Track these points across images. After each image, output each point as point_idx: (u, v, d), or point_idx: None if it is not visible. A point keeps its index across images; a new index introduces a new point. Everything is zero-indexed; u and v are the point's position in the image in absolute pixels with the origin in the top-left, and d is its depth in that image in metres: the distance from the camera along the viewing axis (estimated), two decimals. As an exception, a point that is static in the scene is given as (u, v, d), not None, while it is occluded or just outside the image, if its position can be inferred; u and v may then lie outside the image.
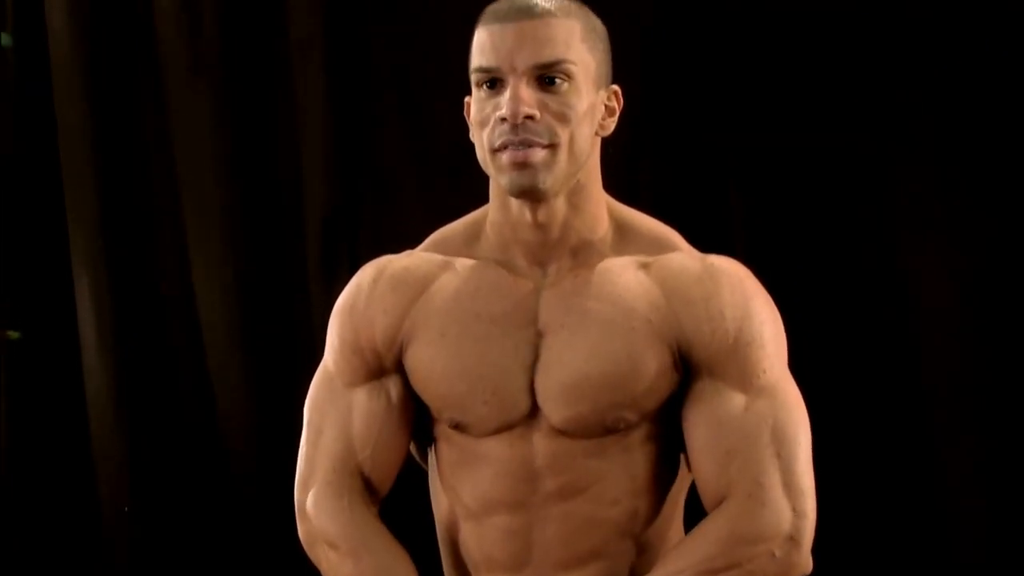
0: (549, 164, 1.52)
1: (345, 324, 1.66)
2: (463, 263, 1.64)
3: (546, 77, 1.52)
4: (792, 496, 1.53)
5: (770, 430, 1.54)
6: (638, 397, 1.57)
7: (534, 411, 1.59)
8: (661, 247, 1.63)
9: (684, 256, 1.63)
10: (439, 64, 2.47)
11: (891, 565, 2.44)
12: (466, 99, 1.60)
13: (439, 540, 1.72)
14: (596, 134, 1.59)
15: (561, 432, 1.58)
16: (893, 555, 2.44)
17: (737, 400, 1.56)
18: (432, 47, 2.51)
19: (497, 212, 1.63)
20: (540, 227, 1.59)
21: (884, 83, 2.39)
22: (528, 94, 1.51)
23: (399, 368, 1.64)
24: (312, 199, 2.64)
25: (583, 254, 1.61)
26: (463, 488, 1.64)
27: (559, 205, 1.58)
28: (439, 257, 1.66)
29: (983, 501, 2.41)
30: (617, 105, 1.61)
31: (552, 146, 1.52)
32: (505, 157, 1.53)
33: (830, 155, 2.43)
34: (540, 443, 1.59)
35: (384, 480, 1.65)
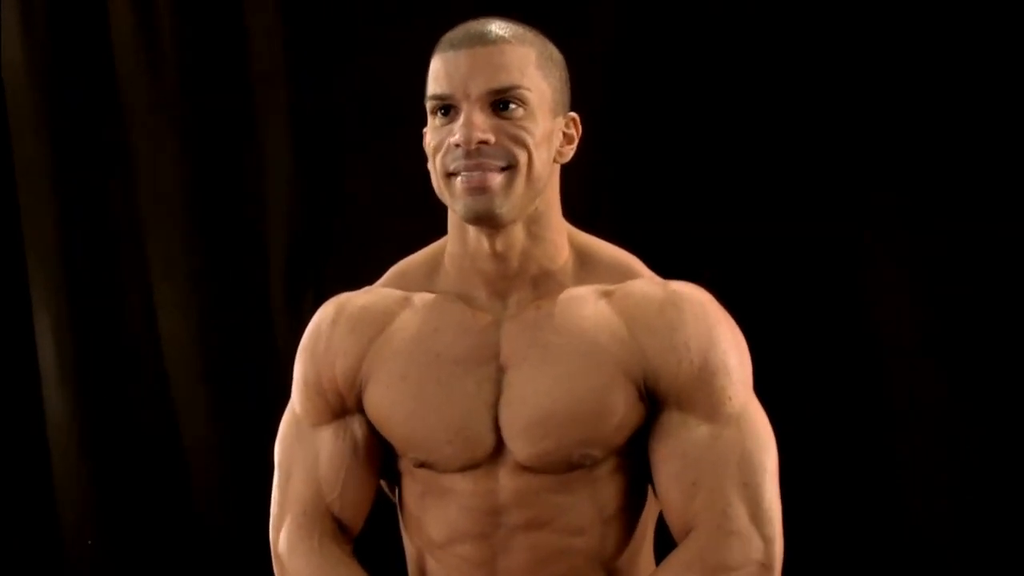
0: (506, 188, 1.51)
1: (307, 365, 1.66)
2: (423, 299, 1.63)
3: (500, 102, 1.51)
4: (760, 524, 1.53)
5: (737, 459, 1.54)
6: (604, 433, 1.56)
7: (499, 448, 1.58)
8: (622, 274, 1.62)
9: (646, 284, 1.61)
10: (403, 91, 2.45)
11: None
12: (424, 130, 1.59)
13: (408, 571, 1.72)
14: (555, 161, 1.58)
15: (526, 468, 1.58)
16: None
17: (703, 431, 1.55)
18: (396, 74, 2.48)
19: (455, 243, 1.62)
20: (499, 257, 1.58)
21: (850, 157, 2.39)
22: (482, 119, 1.50)
23: (361, 407, 1.64)
24: (276, 231, 2.63)
25: (544, 285, 1.60)
26: (428, 521, 1.64)
27: (517, 233, 1.58)
28: (398, 293, 1.65)
29: (949, 518, 2.42)
30: (576, 132, 1.60)
31: (509, 168, 1.51)
32: (459, 182, 1.52)
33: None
34: (505, 479, 1.59)
35: (355, 518, 1.65)
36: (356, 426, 1.64)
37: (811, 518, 2.32)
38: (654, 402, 1.57)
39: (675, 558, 1.55)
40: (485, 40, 1.52)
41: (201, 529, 2.73)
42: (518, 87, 1.51)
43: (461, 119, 1.51)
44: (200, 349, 2.67)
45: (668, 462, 1.56)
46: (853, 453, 2.43)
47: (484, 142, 1.50)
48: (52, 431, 2.73)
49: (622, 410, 1.56)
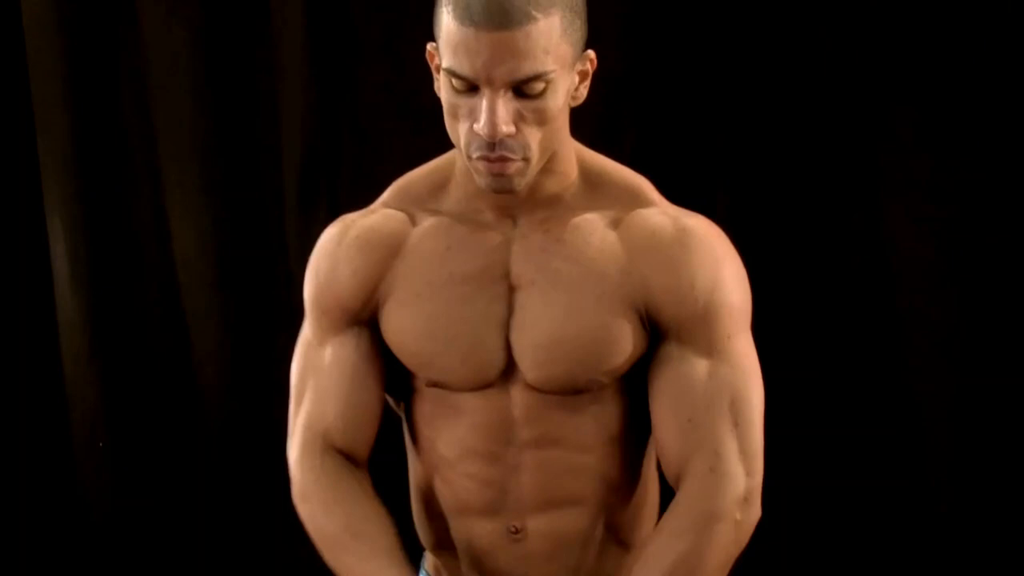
0: (523, 172, 1.51)
1: (313, 286, 1.67)
2: (430, 220, 1.62)
3: (524, 87, 1.46)
4: (746, 461, 1.56)
5: (730, 398, 1.56)
6: (610, 360, 1.57)
7: (511, 367, 1.59)
8: (633, 200, 1.61)
9: (656, 215, 1.60)
10: (418, 5, 2.46)
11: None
12: (429, 46, 1.53)
13: (411, 487, 1.74)
14: (570, 104, 1.55)
15: (536, 388, 1.59)
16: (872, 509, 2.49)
17: (701, 366, 1.56)
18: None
19: (465, 169, 1.58)
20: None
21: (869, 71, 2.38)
22: (505, 109, 1.46)
23: (370, 323, 1.64)
24: (290, 141, 2.61)
25: (552, 206, 1.60)
26: (439, 438, 1.65)
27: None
28: (402, 215, 1.64)
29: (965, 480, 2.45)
30: (591, 68, 1.55)
31: (527, 159, 1.50)
32: (481, 165, 1.50)
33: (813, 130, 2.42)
34: (516, 397, 1.60)
35: (362, 432, 1.65)
36: (361, 339, 1.64)
37: (815, 442, 2.34)
38: (656, 333, 1.58)
39: (673, 517, 1.57)
40: (509, 20, 1.42)
41: (209, 434, 2.75)
42: (544, 73, 1.46)
43: (484, 107, 1.46)
44: (211, 259, 2.67)
45: (665, 395, 1.58)
46: (862, 369, 2.44)
47: (508, 136, 1.47)
48: (64, 333, 2.75)
49: (627, 339, 1.57)
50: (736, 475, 1.55)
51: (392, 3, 2.52)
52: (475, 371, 1.59)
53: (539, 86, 1.46)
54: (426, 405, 1.65)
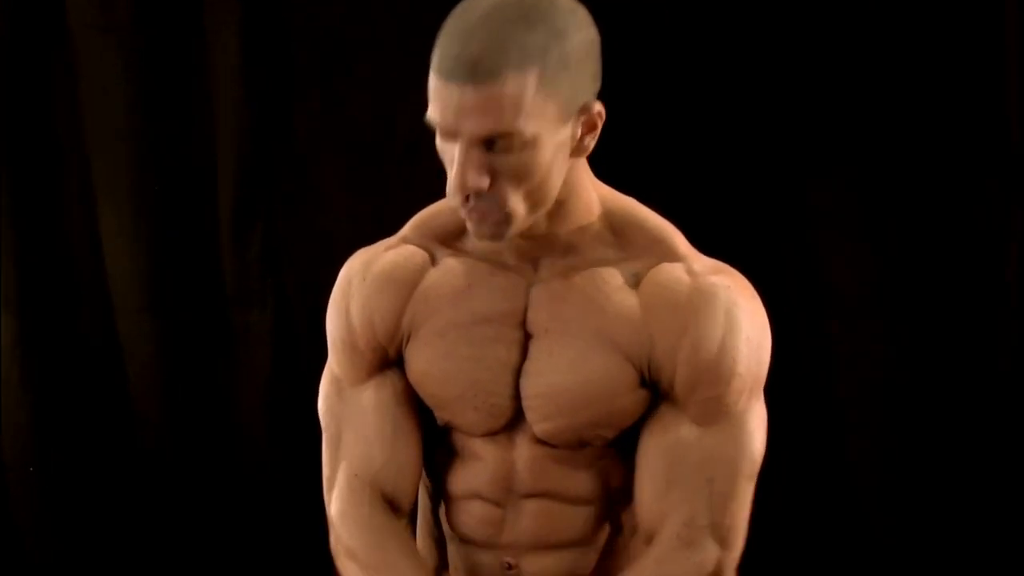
0: (505, 223, 1.45)
1: (340, 325, 1.63)
2: (451, 259, 1.59)
3: (497, 144, 1.40)
4: (720, 532, 1.53)
5: (715, 466, 1.52)
6: (614, 416, 1.55)
7: (518, 416, 1.58)
8: (659, 251, 1.55)
9: (677, 272, 1.54)
10: (356, 25, 2.46)
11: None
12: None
13: (419, 508, 1.72)
14: (574, 155, 1.48)
15: (541, 440, 1.57)
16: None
17: (690, 432, 1.53)
18: (348, 8, 2.50)
19: None
20: (528, 236, 1.52)
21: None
22: (476, 163, 1.40)
23: (399, 362, 1.61)
24: (226, 163, 2.59)
25: (573, 253, 1.55)
26: (446, 475, 1.64)
27: (542, 223, 1.51)
28: (422, 254, 1.60)
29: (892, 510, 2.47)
30: (599, 120, 1.47)
31: (506, 214, 1.44)
32: (462, 213, 1.47)
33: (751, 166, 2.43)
34: (521, 448, 1.59)
35: (407, 479, 1.62)
36: (396, 379, 1.61)
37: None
38: (655, 392, 1.55)
39: (632, 573, 1.55)
40: (478, 72, 1.37)
41: (144, 460, 2.72)
42: (511, 133, 1.39)
43: (456, 161, 1.41)
44: (145, 283, 2.64)
45: (649, 453, 1.55)
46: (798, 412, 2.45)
47: (478, 192, 1.42)
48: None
49: (631, 397, 1.54)
50: (705, 547, 1.53)
51: (330, 31, 2.51)
52: (486, 418, 1.58)
53: (511, 144, 1.40)
54: (439, 441, 1.64)
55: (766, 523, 2.18)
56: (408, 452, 1.62)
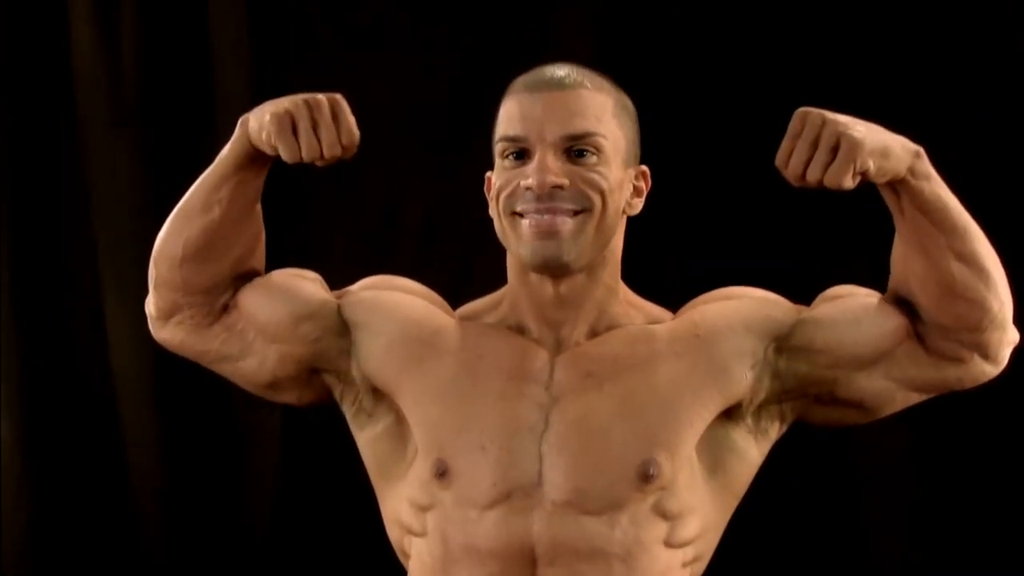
0: (576, 234, 1.49)
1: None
2: (473, 324, 1.60)
3: (575, 149, 1.49)
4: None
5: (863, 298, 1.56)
6: (650, 472, 1.50)
7: (538, 481, 1.50)
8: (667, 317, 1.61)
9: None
10: (376, 131, 2.45)
11: None
12: (487, 174, 1.57)
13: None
14: (623, 212, 1.55)
15: (563, 506, 1.49)
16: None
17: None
18: (361, 105, 2.48)
19: (516, 285, 1.57)
20: (561, 300, 1.54)
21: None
22: (556, 164, 1.48)
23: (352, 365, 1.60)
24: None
25: (598, 323, 1.57)
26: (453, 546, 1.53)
27: (582, 280, 1.54)
28: (447, 316, 1.62)
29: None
30: (645, 185, 1.58)
31: (583, 211, 1.49)
32: (527, 225, 1.49)
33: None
34: (540, 523, 1.50)
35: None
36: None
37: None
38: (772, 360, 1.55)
39: None
40: (562, 84, 1.51)
41: (146, 562, 2.69)
42: (594, 134, 1.50)
43: (535, 162, 1.48)
44: (148, 369, 2.62)
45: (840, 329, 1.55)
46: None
47: (558, 187, 1.48)
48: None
49: (681, 440, 1.52)
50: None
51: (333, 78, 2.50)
52: (496, 464, 1.50)
53: (591, 153, 1.49)
54: (434, 546, 1.54)
55: (766, 524, 2.23)
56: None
